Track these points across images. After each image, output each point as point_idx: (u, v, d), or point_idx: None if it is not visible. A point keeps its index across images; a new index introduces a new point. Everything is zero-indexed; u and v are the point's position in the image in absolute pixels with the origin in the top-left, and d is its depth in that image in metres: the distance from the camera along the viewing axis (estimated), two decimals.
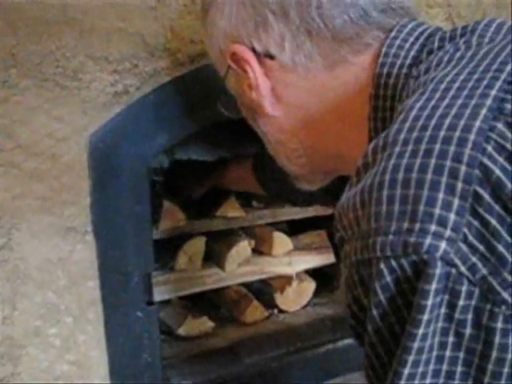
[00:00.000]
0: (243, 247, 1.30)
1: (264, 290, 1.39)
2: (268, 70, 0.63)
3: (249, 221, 1.31)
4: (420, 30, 0.59)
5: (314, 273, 1.44)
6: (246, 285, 1.37)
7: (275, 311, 1.40)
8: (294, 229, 1.46)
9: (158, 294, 1.11)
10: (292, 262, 1.37)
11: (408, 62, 0.56)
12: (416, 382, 0.42)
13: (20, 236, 0.84)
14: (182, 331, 1.26)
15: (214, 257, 1.31)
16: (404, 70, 0.56)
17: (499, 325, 0.41)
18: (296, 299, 1.40)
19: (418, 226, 0.41)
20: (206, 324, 1.29)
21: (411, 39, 0.58)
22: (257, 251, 1.36)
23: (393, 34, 0.59)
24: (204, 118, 0.91)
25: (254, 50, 0.62)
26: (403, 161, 0.43)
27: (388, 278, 0.42)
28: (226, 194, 1.26)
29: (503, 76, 0.47)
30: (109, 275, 0.93)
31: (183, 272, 1.26)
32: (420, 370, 0.42)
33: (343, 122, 0.62)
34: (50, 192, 0.85)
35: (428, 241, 0.40)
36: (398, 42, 0.58)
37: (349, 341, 1.28)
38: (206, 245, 1.28)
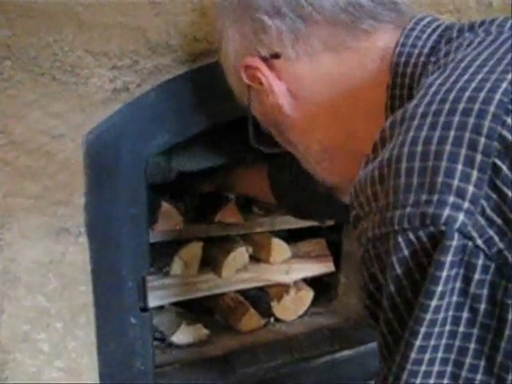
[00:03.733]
0: (241, 253, 1.27)
1: (261, 298, 1.36)
2: (279, 71, 0.65)
3: (247, 228, 1.29)
4: (437, 23, 0.60)
5: (311, 281, 1.42)
6: (242, 292, 1.34)
7: (271, 320, 1.37)
8: (292, 236, 1.43)
9: (152, 300, 1.07)
10: (290, 270, 1.35)
11: (426, 51, 0.57)
12: (427, 355, 0.42)
13: (10, 236, 0.82)
14: (175, 338, 1.24)
15: (210, 263, 1.28)
16: (422, 59, 0.57)
17: None
18: (293, 308, 1.37)
19: (436, 197, 0.41)
20: (200, 331, 1.27)
21: (428, 30, 0.59)
22: (254, 258, 1.34)
23: (410, 25, 0.60)
24: (206, 118, 0.88)
25: (261, 57, 0.65)
26: (422, 133, 0.44)
27: (405, 251, 0.42)
28: (226, 199, 1.23)
29: None
30: (102, 279, 0.90)
31: (178, 277, 1.23)
32: (432, 342, 0.42)
33: (357, 114, 0.63)
34: (43, 191, 0.82)
35: (446, 212, 0.40)
36: (415, 32, 0.59)
37: (347, 352, 1.26)
38: (202, 250, 1.25)
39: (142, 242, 0.92)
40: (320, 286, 1.44)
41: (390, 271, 0.43)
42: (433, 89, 0.47)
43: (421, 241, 0.41)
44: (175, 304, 1.29)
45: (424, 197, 0.41)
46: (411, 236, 0.42)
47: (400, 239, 0.42)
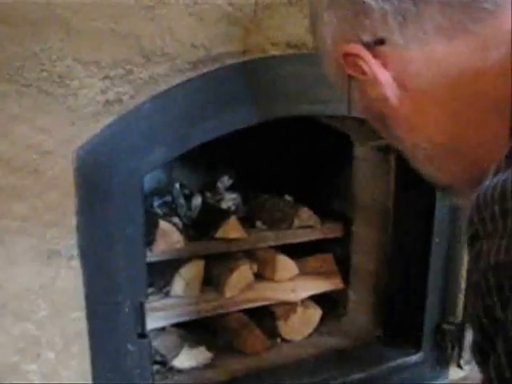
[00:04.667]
0: (245, 271, 1.23)
1: (266, 318, 1.32)
2: (384, 59, 0.57)
3: (251, 243, 1.24)
4: None
5: (319, 298, 1.36)
6: (247, 312, 1.30)
7: (278, 340, 1.32)
8: (298, 252, 1.38)
9: (152, 321, 1.04)
10: (296, 287, 1.31)
11: None
12: None
13: None
14: (177, 362, 1.19)
15: (213, 282, 1.24)
16: None
17: None
18: (301, 328, 1.33)
19: None
20: (203, 354, 1.22)
21: None
22: (259, 276, 1.29)
23: None
24: (206, 130, 0.85)
25: (363, 44, 0.58)
26: None
27: None
28: (227, 214, 1.20)
29: None
30: (96, 305, 0.86)
31: (179, 297, 1.19)
32: None
33: (474, 107, 0.55)
34: (32, 211, 0.79)
35: None
36: None
37: (358, 375, 1.20)
38: (204, 269, 1.21)
39: (138, 264, 0.88)
40: (328, 303, 1.39)
41: None
42: None
43: None
44: (177, 325, 1.24)
45: None
46: None
47: None
